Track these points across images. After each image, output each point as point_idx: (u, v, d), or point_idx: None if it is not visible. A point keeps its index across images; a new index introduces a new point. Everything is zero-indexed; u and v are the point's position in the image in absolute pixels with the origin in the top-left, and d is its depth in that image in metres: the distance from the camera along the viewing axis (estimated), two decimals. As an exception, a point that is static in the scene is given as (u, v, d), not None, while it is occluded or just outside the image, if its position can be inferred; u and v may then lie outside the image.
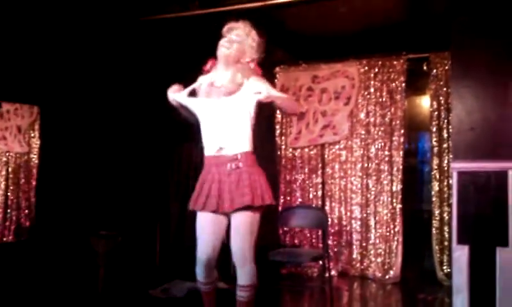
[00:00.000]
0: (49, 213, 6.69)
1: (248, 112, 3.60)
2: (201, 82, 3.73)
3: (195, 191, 3.63)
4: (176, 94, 3.74)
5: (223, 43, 3.63)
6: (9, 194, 6.76)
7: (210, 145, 3.60)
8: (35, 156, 6.90)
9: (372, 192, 6.94)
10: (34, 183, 6.88)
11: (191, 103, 3.73)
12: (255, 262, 3.55)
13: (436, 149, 6.64)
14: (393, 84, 6.90)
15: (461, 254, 4.40)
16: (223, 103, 3.58)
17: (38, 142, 6.89)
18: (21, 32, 6.01)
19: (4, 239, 6.63)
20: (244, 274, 3.52)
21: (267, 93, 3.44)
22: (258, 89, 3.47)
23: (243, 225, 3.48)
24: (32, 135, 6.92)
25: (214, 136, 3.58)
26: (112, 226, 6.36)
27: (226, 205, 3.47)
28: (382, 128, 6.92)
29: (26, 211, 6.83)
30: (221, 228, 3.58)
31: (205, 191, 3.54)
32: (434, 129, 6.66)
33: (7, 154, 6.79)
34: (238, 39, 3.63)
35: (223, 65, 3.65)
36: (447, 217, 6.45)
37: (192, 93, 3.76)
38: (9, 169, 6.79)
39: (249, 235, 3.49)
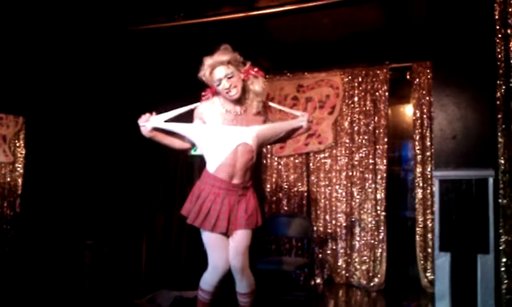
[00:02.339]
0: (34, 223, 6.66)
1: (257, 143, 3.77)
2: (204, 109, 3.75)
3: (201, 209, 3.73)
4: (157, 121, 3.78)
5: (226, 87, 3.63)
6: (-7, 204, 6.73)
7: (222, 171, 3.70)
8: (20, 166, 6.87)
9: (357, 200, 7.01)
10: (19, 192, 6.85)
11: (191, 128, 3.78)
12: (250, 270, 3.83)
13: (419, 157, 6.72)
14: (377, 93, 6.98)
15: (443, 261, 4.45)
16: (239, 133, 3.68)
17: (23, 152, 6.87)
18: (5, 42, 6.00)
19: (-11, 249, 6.60)
20: (245, 283, 3.81)
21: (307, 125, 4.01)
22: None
23: (242, 242, 3.76)
24: (18, 144, 6.89)
25: (227, 164, 3.68)
26: (98, 236, 6.36)
27: (233, 228, 3.74)
28: (366, 137, 7.00)
29: (11, 221, 6.80)
30: (227, 242, 3.79)
31: (215, 212, 3.70)
32: (417, 137, 6.75)
33: (-9, 164, 6.76)
34: (233, 71, 3.64)
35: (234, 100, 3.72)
36: (430, 224, 6.53)
37: (178, 118, 3.79)
38: (-6, 179, 6.77)
39: (247, 251, 3.79)
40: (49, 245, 6.52)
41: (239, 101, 3.71)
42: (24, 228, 6.74)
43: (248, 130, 3.69)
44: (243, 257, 3.75)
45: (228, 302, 4.07)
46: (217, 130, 3.67)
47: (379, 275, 6.78)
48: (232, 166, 3.67)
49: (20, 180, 6.85)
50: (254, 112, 3.75)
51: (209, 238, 3.75)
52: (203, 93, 3.85)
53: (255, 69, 3.77)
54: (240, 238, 3.75)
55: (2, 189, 6.79)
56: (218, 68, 3.62)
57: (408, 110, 7.50)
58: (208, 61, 3.65)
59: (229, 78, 3.61)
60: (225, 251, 3.74)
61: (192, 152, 7.03)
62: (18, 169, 6.87)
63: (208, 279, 3.78)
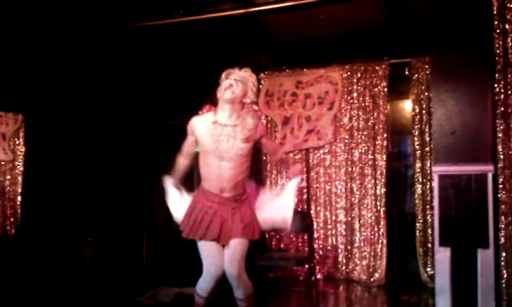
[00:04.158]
0: (35, 220, 6.67)
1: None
2: (196, 123, 3.89)
3: (190, 219, 3.86)
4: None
5: (226, 85, 3.78)
6: (-6, 201, 6.74)
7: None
8: (20, 163, 6.88)
9: (357, 196, 7.02)
10: (19, 190, 6.86)
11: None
12: (246, 273, 3.85)
13: (418, 152, 6.73)
14: (376, 89, 6.99)
15: (443, 256, 4.47)
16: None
17: (23, 149, 6.88)
18: (5, 40, 6.01)
19: (-10, 247, 6.61)
20: (242, 290, 3.84)
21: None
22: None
23: (238, 253, 3.80)
24: (17, 142, 6.90)
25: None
26: (98, 233, 6.37)
27: (228, 237, 3.80)
28: (365, 133, 7.00)
29: (12, 219, 6.81)
30: (220, 249, 3.83)
31: (206, 221, 3.81)
32: (416, 133, 6.75)
33: (-8, 162, 6.77)
34: (242, 80, 3.80)
35: (227, 106, 3.81)
36: (430, 220, 6.54)
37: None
38: (-6, 177, 6.78)
39: (243, 260, 3.83)
40: (50, 243, 6.53)
41: (230, 116, 3.80)
42: (24, 226, 6.76)
43: (233, 147, 3.78)
44: (238, 265, 3.78)
45: (227, 304, 4.08)
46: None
47: (379, 271, 6.80)
48: (218, 181, 3.81)
49: (20, 178, 6.86)
50: (241, 138, 3.80)
51: (202, 246, 3.83)
52: (200, 111, 4.00)
53: (256, 107, 3.95)
54: (235, 246, 3.80)
55: (3, 187, 6.80)
56: (236, 73, 3.84)
57: (406, 106, 7.52)
58: (232, 69, 3.88)
59: (235, 80, 3.78)
60: (218, 258, 3.79)
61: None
62: (18, 167, 6.88)
63: (203, 286, 3.84)
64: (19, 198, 6.85)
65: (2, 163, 6.83)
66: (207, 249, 3.81)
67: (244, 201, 3.93)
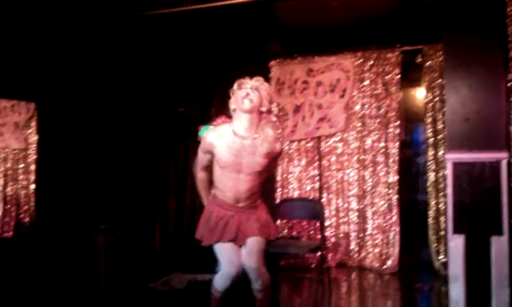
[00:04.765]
0: (49, 208, 6.72)
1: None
2: (213, 139, 3.78)
3: (207, 227, 3.87)
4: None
5: (242, 95, 3.70)
6: (8, 190, 6.79)
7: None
8: (33, 152, 6.93)
9: (369, 184, 7.01)
10: (32, 178, 6.91)
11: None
12: (265, 266, 3.89)
13: (431, 140, 6.70)
14: (388, 76, 6.95)
15: (456, 243, 4.45)
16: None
17: (36, 138, 6.92)
18: (17, 28, 6.03)
19: (4, 235, 6.67)
20: (260, 282, 3.86)
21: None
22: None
23: (255, 246, 3.83)
24: (30, 131, 6.95)
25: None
26: (111, 221, 6.41)
27: (245, 237, 3.83)
28: (377, 120, 6.98)
29: (25, 207, 6.87)
30: (238, 249, 3.86)
31: (222, 224, 3.83)
32: (429, 120, 6.72)
33: (5, 150, 6.82)
34: (257, 88, 3.73)
35: (246, 116, 3.74)
36: (442, 207, 6.51)
37: None
38: (8, 165, 6.83)
39: (260, 253, 3.85)
40: (63, 231, 6.58)
41: (250, 128, 3.74)
42: (38, 214, 6.81)
43: (253, 161, 3.75)
44: (257, 257, 3.80)
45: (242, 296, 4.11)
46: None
47: (391, 258, 6.79)
48: (235, 192, 3.81)
49: (33, 167, 6.92)
50: (262, 152, 3.75)
51: (219, 247, 3.84)
52: (214, 122, 3.91)
53: (274, 118, 3.93)
54: (253, 241, 3.83)
55: (16, 175, 6.86)
56: (249, 83, 3.75)
57: (419, 94, 7.48)
58: (243, 79, 3.80)
59: (251, 88, 3.71)
60: (235, 257, 3.81)
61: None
62: (31, 155, 6.93)
63: (220, 283, 3.87)
64: (32, 186, 6.91)
65: (15, 151, 6.88)
66: (224, 249, 3.82)
67: (259, 206, 3.97)
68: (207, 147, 3.81)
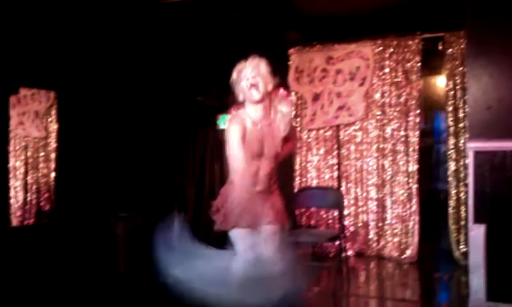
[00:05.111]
0: (69, 196, 6.78)
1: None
2: (239, 122, 3.71)
3: (221, 211, 3.81)
4: None
5: (248, 85, 3.66)
6: (28, 178, 6.87)
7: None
8: (53, 140, 6.99)
9: (388, 173, 6.95)
10: (53, 167, 6.97)
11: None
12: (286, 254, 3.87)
13: (452, 129, 6.62)
14: (409, 64, 6.87)
15: (477, 233, 4.41)
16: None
17: (56, 126, 6.98)
18: (37, 17, 6.06)
19: (26, 222, 6.75)
20: (277, 267, 3.79)
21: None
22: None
23: (271, 232, 3.82)
24: (50, 119, 7.00)
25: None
26: (131, 209, 6.44)
27: (260, 223, 3.78)
28: (397, 109, 6.91)
29: (46, 194, 6.94)
30: (253, 235, 3.80)
31: (238, 210, 3.74)
32: (450, 109, 6.63)
33: (25, 139, 6.89)
34: (258, 71, 3.67)
35: (259, 106, 3.72)
36: (463, 197, 6.44)
37: None
38: (28, 154, 6.90)
39: (277, 239, 3.83)
40: (83, 218, 6.64)
41: (265, 113, 3.73)
42: (58, 202, 6.88)
43: (273, 145, 3.75)
44: (274, 243, 3.80)
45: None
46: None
47: (411, 248, 6.75)
48: (253, 177, 3.76)
49: (53, 155, 6.98)
50: (281, 134, 3.76)
51: (234, 233, 3.80)
52: (233, 110, 3.86)
53: (283, 91, 3.83)
54: (268, 228, 3.81)
55: (37, 163, 6.92)
56: (247, 68, 3.69)
57: (440, 82, 7.40)
58: (239, 65, 3.74)
59: (253, 77, 3.65)
60: (251, 243, 3.77)
61: (221, 126, 7.07)
62: (51, 143, 6.99)
63: (238, 270, 3.81)
64: (53, 174, 6.97)
65: (36, 140, 6.95)
66: (239, 235, 3.79)
67: (274, 190, 3.94)
68: (239, 131, 3.69)
